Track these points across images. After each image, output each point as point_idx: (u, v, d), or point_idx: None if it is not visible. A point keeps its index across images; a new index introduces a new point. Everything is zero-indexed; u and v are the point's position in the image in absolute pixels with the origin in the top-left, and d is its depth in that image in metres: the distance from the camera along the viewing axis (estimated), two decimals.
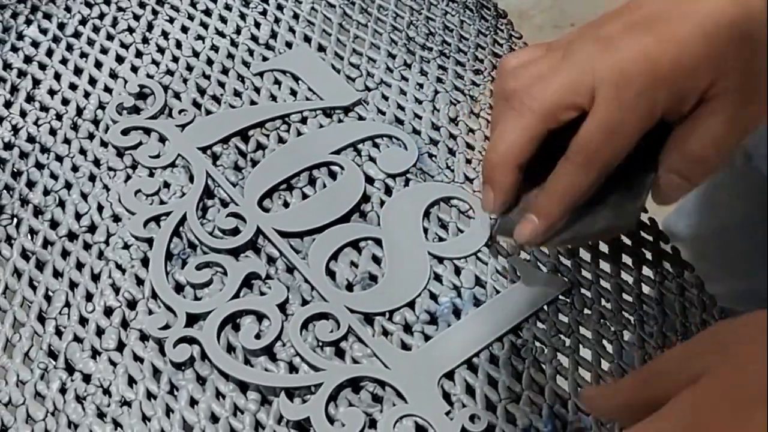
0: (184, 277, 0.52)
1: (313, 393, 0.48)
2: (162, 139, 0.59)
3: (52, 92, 0.62)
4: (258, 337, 0.50)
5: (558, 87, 0.46)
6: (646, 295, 0.53)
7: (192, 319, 0.51)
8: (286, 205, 0.56)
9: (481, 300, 0.52)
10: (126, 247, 0.54)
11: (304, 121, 0.60)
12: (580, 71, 0.46)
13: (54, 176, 0.57)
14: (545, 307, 0.52)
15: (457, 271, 0.54)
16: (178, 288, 0.52)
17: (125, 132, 0.59)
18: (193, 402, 0.49)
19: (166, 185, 0.56)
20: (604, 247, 0.55)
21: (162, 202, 0.56)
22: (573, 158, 0.46)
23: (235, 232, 0.54)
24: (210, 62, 0.63)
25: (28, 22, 0.65)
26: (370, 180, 0.57)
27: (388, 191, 0.57)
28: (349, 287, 0.53)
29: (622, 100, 0.44)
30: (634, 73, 0.44)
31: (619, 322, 0.52)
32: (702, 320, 0.52)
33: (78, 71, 0.63)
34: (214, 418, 0.48)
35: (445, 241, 0.55)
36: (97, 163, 0.58)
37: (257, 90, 0.62)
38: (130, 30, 0.65)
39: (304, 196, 0.56)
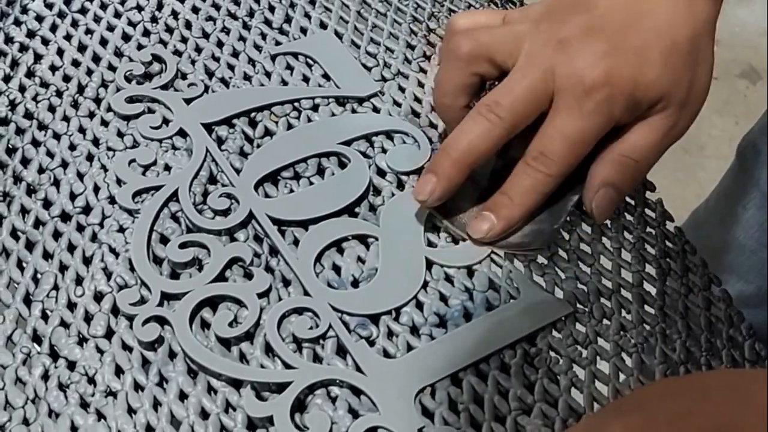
0: (166, 254, 0.49)
1: (280, 392, 0.45)
2: (167, 113, 0.56)
3: (53, 68, 0.59)
4: (232, 325, 0.47)
5: (523, 95, 0.47)
6: (669, 308, 0.50)
7: (168, 299, 0.48)
8: (291, 193, 0.53)
9: (494, 305, 0.49)
10: (121, 230, 0.51)
11: (315, 108, 0.57)
12: (541, 77, 0.47)
13: (50, 154, 0.54)
14: (562, 316, 0.49)
15: (470, 273, 0.50)
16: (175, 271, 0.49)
17: (130, 100, 0.56)
18: (182, 396, 0.45)
19: (164, 159, 0.54)
20: (626, 256, 0.52)
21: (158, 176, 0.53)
22: (533, 164, 0.47)
23: (227, 213, 0.51)
24: (220, 44, 0.61)
25: None
26: (381, 173, 0.55)
27: (401, 185, 0.54)
28: (355, 284, 0.50)
29: (583, 110, 0.46)
30: (595, 84, 0.46)
31: (640, 334, 0.49)
32: (729, 336, 0.49)
33: (82, 48, 0.60)
34: (205, 414, 0.45)
35: (443, 248, 0.51)
36: (96, 142, 0.55)
37: (268, 75, 0.59)
38: (139, 8, 0.63)
39: (311, 185, 0.53)
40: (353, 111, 0.57)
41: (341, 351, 0.47)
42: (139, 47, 0.60)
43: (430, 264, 0.50)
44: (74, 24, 0.61)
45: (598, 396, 0.46)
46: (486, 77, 0.51)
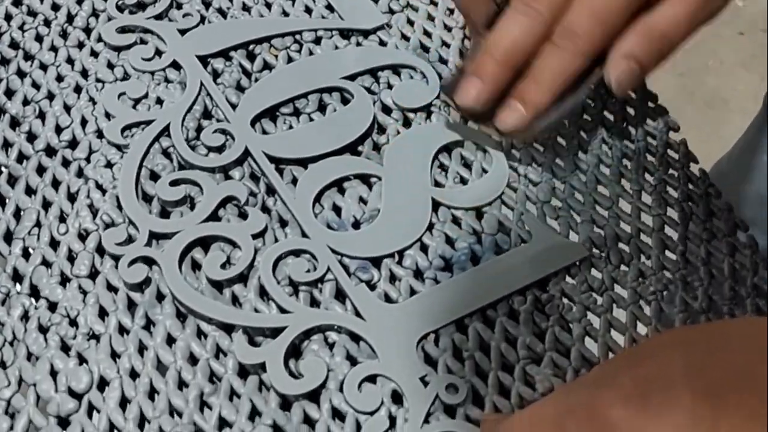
0: (156, 192, 0.46)
1: (274, 337, 0.42)
2: (160, 44, 0.53)
3: None
4: (225, 267, 0.44)
5: None
6: (691, 254, 0.47)
7: (156, 239, 0.45)
8: (290, 129, 0.50)
9: (503, 248, 0.46)
10: (109, 165, 0.48)
11: (318, 41, 0.54)
12: None
13: (36, 85, 0.51)
14: (577, 261, 0.46)
15: (479, 215, 0.47)
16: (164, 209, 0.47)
17: (122, 30, 0.53)
18: (170, 340, 0.43)
19: (156, 92, 0.51)
20: (647, 199, 0.49)
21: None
22: (561, 44, 0.44)
23: (222, 150, 0.48)
24: None
25: None
26: (387, 110, 0.51)
27: (407, 123, 0.51)
28: (356, 225, 0.47)
29: None
30: None
31: (659, 281, 0.45)
32: (754, 284, 0.46)
33: None
34: (193, 359, 0.42)
35: (450, 188, 0.48)
36: (84, 73, 0.52)
37: (268, 5, 0.55)
38: None
39: (312, 122, 0.50)
40: (358, 44, 0.54)
41: (340, 295, 0.44)
42: None
43: (436, 205, 0.47)
44: None
45: (613, 346, 0.43)
46: None
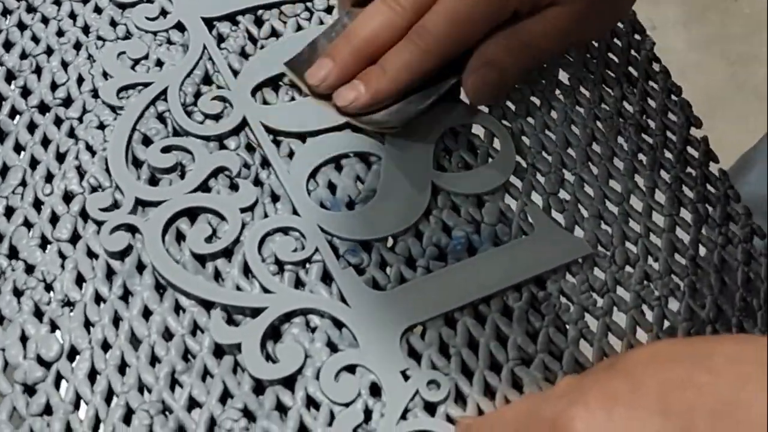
0: (146, 158, 0.45)
1: (253, 318, 0.40)
2: (165, 3, 0.51)
3: None
4: (210, 240, 0.42)
5: None
6: (703, 259, 0.44)
7: (142, 206, 0.44)
8: (292, 101, 0.48)
9: (503, 240, 0.44)
10: (101, 127, 0.46)
11: (329, 10, 0.52)
12: None
13: (35, 39, 0.50)
14: (579, 259, 0.43)
15: (480, 203, 0.45)
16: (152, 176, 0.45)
17: None
18: (146, 313, 0.41)
19: (157, 53, 0.49)
20: (660, 197, 0.46)
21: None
22: (415, 40, 0.44)
23: (219, 118, 0.46)
24: None
25: None
26: None
27: None
28: (350, 205, 0.45)
29: None
30: None
31: (666, 286, 0.43)
32: (767, 296, 0.43)
33: None
34: (169, 335, 0.41)
35: (453, 173, 0.46)
36: (86, 30, 0.50)
37: None
38: None
39: None
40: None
41: (327, 278, 0.42)
42: None
43: (436, 190, 0.45)
44: None
45: (609, 351, 0.41)
46: None
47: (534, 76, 0.49)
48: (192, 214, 0.44)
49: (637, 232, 0.45)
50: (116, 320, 0.41)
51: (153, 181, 0.45)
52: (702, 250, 0.44)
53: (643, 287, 0.43)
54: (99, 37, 0.50)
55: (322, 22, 0.51)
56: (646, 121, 0.49)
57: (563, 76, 0.50)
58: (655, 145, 0.47)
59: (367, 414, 0.38)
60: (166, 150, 0.45)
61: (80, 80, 0.48)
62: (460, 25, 0.44)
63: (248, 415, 0.39)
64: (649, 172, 0.46)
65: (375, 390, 0.39)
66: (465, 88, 0.46)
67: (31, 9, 0.51)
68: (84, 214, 0.44)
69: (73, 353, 0.40)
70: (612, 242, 0.44)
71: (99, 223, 0.43)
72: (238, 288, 0.42)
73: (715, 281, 0.43)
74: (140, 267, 0.42)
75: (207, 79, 0.49)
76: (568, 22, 0.45)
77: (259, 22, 0.51)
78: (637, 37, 0.52)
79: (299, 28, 0.51)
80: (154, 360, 0.40)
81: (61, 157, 0.45)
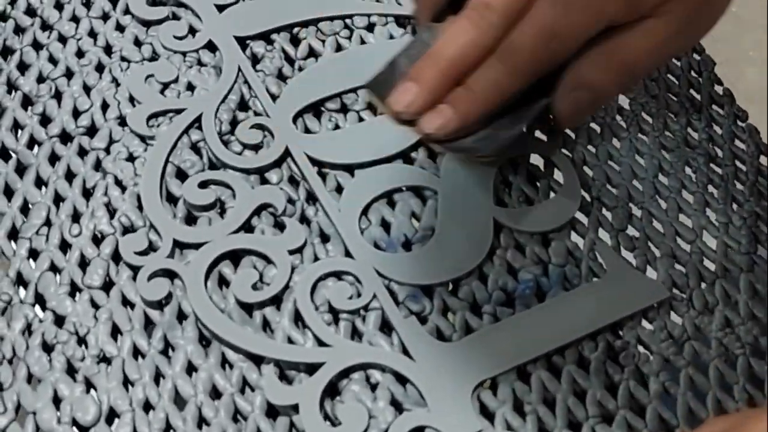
0: (182, 193, 0.41)
1: (310, 374, 0.37)
2: (194, 21, 0.47)
3: None
4: (256, 287, 0.39)
5: None
6: None
7: (181, 249, 0.40)
8: (336, 129, 0.44)
9: (572, 282, 0.41)
10: (131, 159, 0.43)
11: (370, 28, 0.48)
12: None
13: (53, 60, 0.46)
14: (655, 303, 0.40)
15: (546, 242, 0.42)
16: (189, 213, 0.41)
17: (152, 2, 0.48)
18: (191, 369, 0.37)
19: (188, 77, 0.45)
20: (735, 233, 0.43)
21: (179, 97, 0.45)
22: (503, 59, 0.41)
23: (258, 148, 0.43)
24: None
25: None
26: None
27: None
28: (406, 245, 0.41)
29: (569, 3, 0.40)
30: None
31: (749, 332, 0.40)
32: None
33: None
34: (216, 393, 0.37)
35: (515, 208, 0.43)
36: (108, 50, 0.46)
37: None
38: None
39: (361, 122, 0.45)
40: (414, 33, 0.48)
41: (386, 327, 0.39)
42: None
43: (498, 227, 0.42)
44: None
45: (695, 406, 0.38)
46: None
47: None
48: (235, 256, 0.40)
49: (712, 272, 0.42)
50: (158, 377, 0.37)
51: (190, 220, 0.41)
52: None
53: (725, 334, 0.40)
54: (123, 58, 0.46)
55: (363, 41, 0.47)
56: (714, 149, 0.45)
57: (623, 101, 0.47)
58: (726, 177, 0.44)
59: None
60: (203, 185, 0.42)
61: (105, 106, 0.44)
62: (552, 40, 0.40)
63: None
64: (722, 206, 0.43)
65: None
66: (556, 110, 0.42)
67: (46, 26, 0.47)
68: (116, 257, 0.40)
69: (111, 415, 0.36)
70: (688, 284, 0.41)
71: (134, 269, 0.39)
72: (290, 340, 0.38)
73: None
74: (181, 317, 0.39)
75: (243, 105, 0.45)
76: (666, 36, 0.41)
77: (295, 41, 0.47)
78: (696, 56, 0.49)
79: (339, 47, 0.47)
80: (201, 422, 0.36)
81: (87, 193, 0.42)
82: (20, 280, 0.40)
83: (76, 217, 0.41)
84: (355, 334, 0.39)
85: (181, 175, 0.42)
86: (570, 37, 0.40)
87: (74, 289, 0.39)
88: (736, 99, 0.48)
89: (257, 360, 0.38)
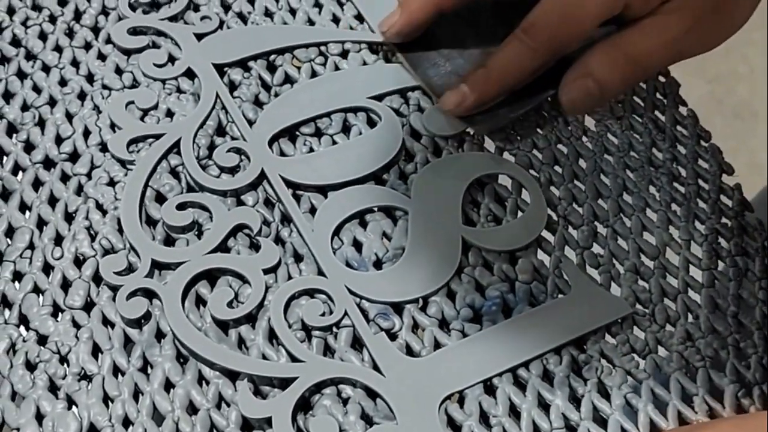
0: (161, 215, 0.42)
1: (283, 389, 0.38)
2: (174, 49, 0.49)
3: None
4: (232, 305, 0.40)
5: None
6: (745, 316, 0.42)
7: (159, 269, 0.42)
8: (310, 152, 0.46)
9: (538, 299, 0.42)
10: (111, 183, 0.44)
11: (344, 54, 0.50)
12: None
13: (37, 89, 0.47)
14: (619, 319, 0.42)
15: (512, 260, 0.43)
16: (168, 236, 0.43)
17: (133, 32, 0.49)
18: (168, 385, 0.39)
19: (167, 103, 0.47)
20: (697, 250, 0.44)
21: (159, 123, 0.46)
22: (522, 38, 0.43)
23: (235, 171, 0.44)
24: None
25: None
26: (416, 135, 0.47)
27: (438, 152, 0.47)
28: (377, 264, 0.43)
29: None
30: None
31: (709, 345, 0.41)
32: None
33: None
34: (193, 409, 0.38)
35: (483, 228, 0.44)
36: (90, 78, 0.48)
37: (292, 12, 0.51)
38: None
39: (334, 145, 0.46)
40: (387, 60, 0.50)
41: (357, 343, 0.40)
42: None
43: (466, 246, 0.43)
44: None
45: (655, 418, 0.39)
46: None
47: (560, 123, 0.47)
48: (211, 276, 0.42)
49: (675, 287, 0.43)
50: (136, 394, 0.39)
51: (168, 241, 0.43)
52: (744, 307, 0.43)
53: (686, 347, 0.41)
54: (104, 86, 0.47)
55: (337, 68, 0.49)
56: (677, 169, 0.47)
57: (589, 122, 0.48)
58: (689, 195, 0.46)
59: None
60: (181, 207, 0.43)
61: (86, 133, 0.46)
62: (570, 22, 0.42)
63: None
64: (684, 224, 0.45)
65: None
66: (561, 98, 0.44)
67: (30, 56, 0.48)
68: (97, 279, 0.41)
69: (92, 431, 0.38)
70: (651, 299, 0.42)
71: (114, 288, 0.41)
72: (265, 357, 0.39)
73: (759, 339, 0.42)
74: (159, 335, 0.40)
75: (220, 130, 0.46)
76: (677, 33, 0.42)
77: (272, 68, 0.49)
78: (661, 78, 0.50)
79: (314, 74, 0.49)
80: None
81: (69, 217, 0.43)
82: (5, 302, 0.41)
83: (58, 240, 0.42)
84: (327, 350, 0.40)
85: (161, 199, 0.44)
86: (586, 19, 0.42)
87: (56, 310, 0.40)
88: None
89: (233, 376, 0.39)
